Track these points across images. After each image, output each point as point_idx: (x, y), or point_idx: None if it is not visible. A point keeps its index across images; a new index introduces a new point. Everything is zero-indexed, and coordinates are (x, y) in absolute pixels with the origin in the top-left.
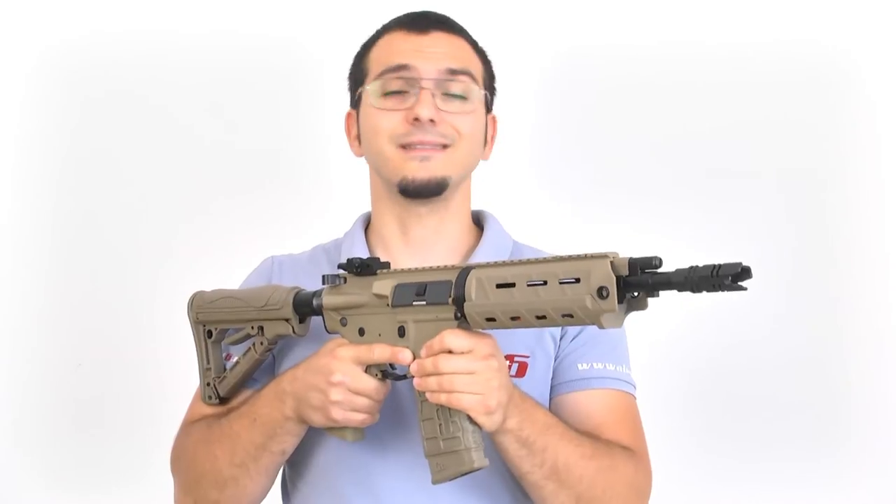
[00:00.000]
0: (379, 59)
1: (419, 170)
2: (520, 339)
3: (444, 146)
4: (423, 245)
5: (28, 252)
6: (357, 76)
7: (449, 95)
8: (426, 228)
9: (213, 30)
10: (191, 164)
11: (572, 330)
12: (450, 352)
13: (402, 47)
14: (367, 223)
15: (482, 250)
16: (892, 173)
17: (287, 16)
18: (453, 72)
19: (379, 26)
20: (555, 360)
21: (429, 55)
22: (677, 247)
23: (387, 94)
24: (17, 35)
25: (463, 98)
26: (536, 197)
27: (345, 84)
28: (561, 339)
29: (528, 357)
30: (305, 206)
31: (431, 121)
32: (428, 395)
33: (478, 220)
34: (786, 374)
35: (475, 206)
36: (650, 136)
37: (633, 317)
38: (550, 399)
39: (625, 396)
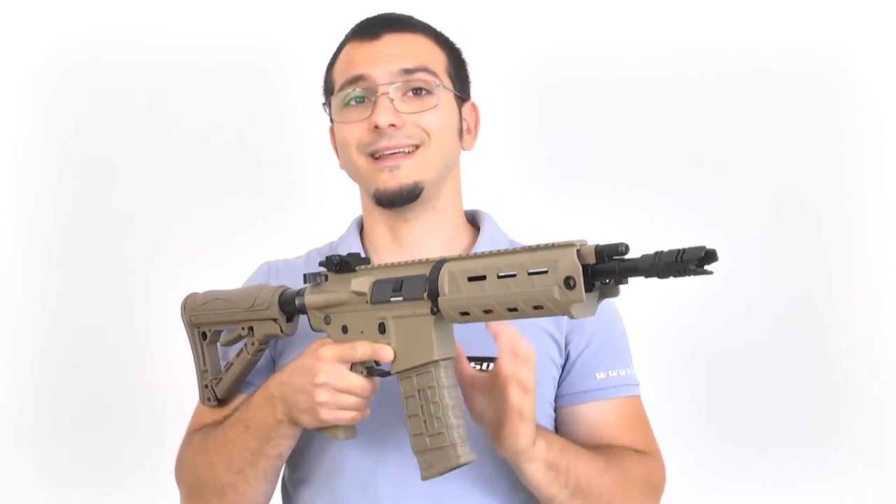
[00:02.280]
0: (338, 72)
1: (389, 179)
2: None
3: (416, 147)
4: (415, 248)
5: (28, 252)
6: (326, 89)
7: (409, 95)
8: (415, 232)
9: (205, 33)
10: (186, 166)
11: (579, 337)
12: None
13: (356, 56)
14: (361, 226)
15: (477, 250)
16: (891, 171)
17: (279, 19)
18: (408, 71)
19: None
20: (563, 369)
21: (381, 59)
22: (670, 245)
23: (347, 104)
24: (15, 37)
25: (424, 94)
26: (521, 193)
27: None
28: (568, 345)
29: None
30: (299, 209)
31: (392, 125)
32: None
33: (473, 220)
34: (784, 372)
35: (467, 205)
36: (637, 133)
37: (632, 312)
38: (561, 407)
39: (633, 400)
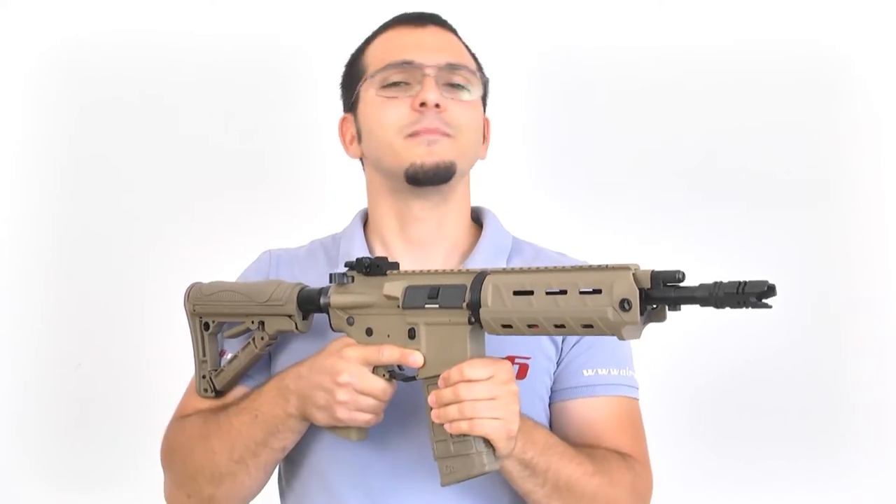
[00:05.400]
0: (379, 54)
1: (427, 154)
2: (520, 341)
3: (448, 135)
4: (423, 244)
5: (28, 253)
6: (353, 76)
7: (451, 86)
8: (426, 227)
9: (207, 31)
10: (187, 163)
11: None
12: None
13: (403, 41)
14: (365, 219)
15: (482, 248)
16: (893, 179)
17: (280, 16)
18: (453, 66)
19: (373, 28)
20: (557, 364)
21: (429, 48)
22: (672, 253)
23: (388, 86)
24: (15, 36)
25: (464, 89)
26: (530, 195)
27: (338, 81)
28: (563, 342)
29: (528, 359)
30: (300, 204)
31: (437, 105)
32: (447, 425)
33: (476, 218)
34: (788, 381)
35: (473, 203)
36: (644, 136)
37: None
38: (551, 403)
39: (627, 402)
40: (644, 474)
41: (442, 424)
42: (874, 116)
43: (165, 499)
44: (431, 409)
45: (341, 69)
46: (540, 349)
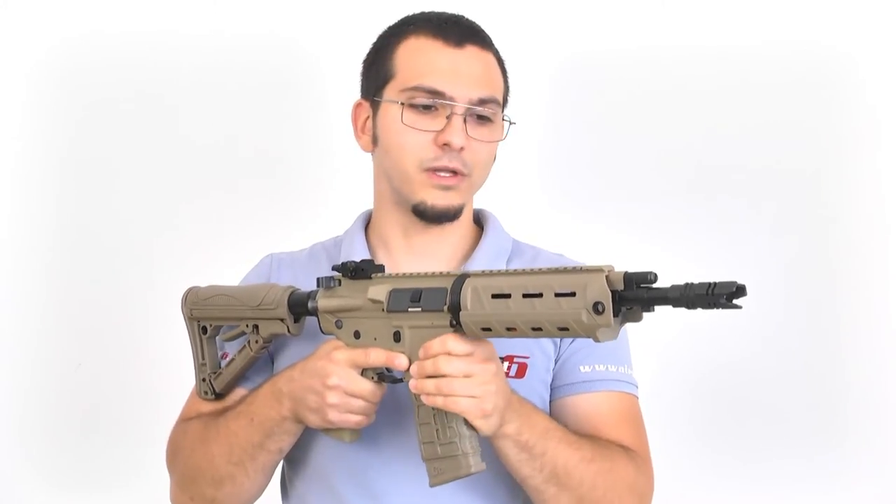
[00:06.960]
0: (408, 66)
1: (440, 198)
2: (519, 340)
3: (464, 175)
4: (426, 252)
5: (29, 253)
6: (378, 71)
7: (476, 120)
8: (430, 236)
9: (208, 30)
10: (187, 164)
11: None
12: (448, 355)
13: (438, 63)
14: (367, 222)
15: (482, 251)
16: (893, 179)
17: (282, 15)
18: (483, 101)
19: (397, 19)
20: (555, 362)
21: (464, 79)
22: (677, 254)
23: (414, 107)
24: (15, 36)
25: (488, 122)
26: (539, 201)
27: (341, 82)
28: (561, 340)
29: (527, 357)
30: (302, 205)
31: (462, 148)
32: (424, 398)
33: (478, 219)
34: (786, 378)
35: (476, 205)
36: (653, 142)
37: (640, 324)
38: (551, 401)
39: (626, 398)
40: (645, 469)
41: (429, 426)
42: (874, 116)
43: (171, 500)
44: (418, 410)
45: (343, 70)
46: (538, 347)
